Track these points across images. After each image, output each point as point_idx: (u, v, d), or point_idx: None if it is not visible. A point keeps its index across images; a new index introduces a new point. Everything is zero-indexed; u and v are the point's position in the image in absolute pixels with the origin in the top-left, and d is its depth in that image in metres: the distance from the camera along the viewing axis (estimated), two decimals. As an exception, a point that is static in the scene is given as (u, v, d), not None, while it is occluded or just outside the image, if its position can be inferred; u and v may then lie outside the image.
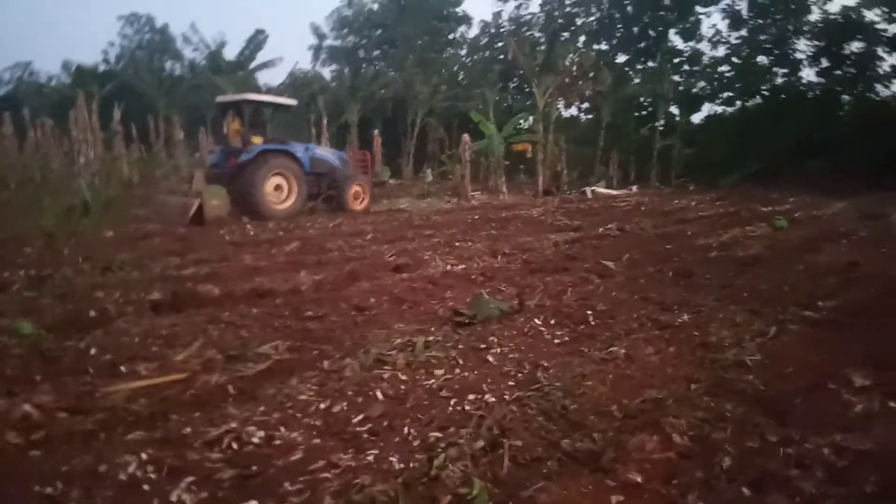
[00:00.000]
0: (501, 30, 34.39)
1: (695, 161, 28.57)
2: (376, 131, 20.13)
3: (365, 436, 2.84)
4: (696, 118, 32.17)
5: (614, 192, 21.98)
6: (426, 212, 14.07)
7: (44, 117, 22.14)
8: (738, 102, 31.04)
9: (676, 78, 30.16)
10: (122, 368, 3.50)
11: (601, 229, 10.60)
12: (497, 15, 35.05)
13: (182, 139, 20.00)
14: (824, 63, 28.11)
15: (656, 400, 3.33)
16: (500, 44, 32.78)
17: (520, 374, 3.70)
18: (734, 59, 30.18)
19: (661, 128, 29.28)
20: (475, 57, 35.37)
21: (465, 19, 37.58)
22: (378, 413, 3.04)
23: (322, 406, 3.12)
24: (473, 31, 37.82)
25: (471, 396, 3.31)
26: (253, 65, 24.30)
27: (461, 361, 3.87)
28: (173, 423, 2.87)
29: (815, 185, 20.85)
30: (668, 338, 4.43)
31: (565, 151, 23.22)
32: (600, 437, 2.91)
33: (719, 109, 31.94)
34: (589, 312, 5.04)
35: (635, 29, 32.52)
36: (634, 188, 24.43)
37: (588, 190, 21.62)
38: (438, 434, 2.85)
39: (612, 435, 2.92)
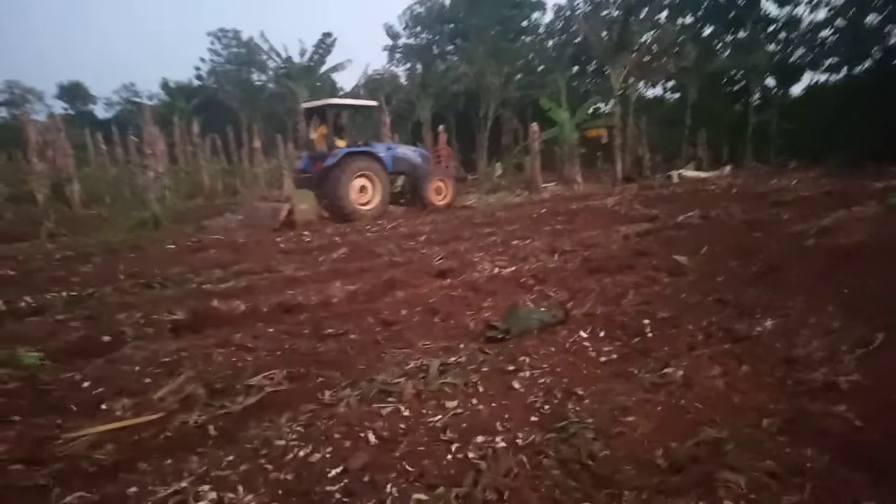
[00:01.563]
0: (577, 12, 33.01)
1: (796, 137, 26.08)
2: (441, 127, 19.58)
3: (336, 496, 2.35)
4: (796, 90, 29.41)
5: (703, 175, 20.37)
6: (492, 207, 13.47)
7: (129, 135, 23.41)
8: (844, 70, 28.01)
9: (771, 47, 27.67)
10: (104, 406, 3.21)
11: (681, 218, 9.58)
12: (571, -1, 33.67)
13: (258, 147, 20.37)
14: (947, 16, 24.75)
15: (714, 442, 2.62)
16: (574, 27, 31.40)
17: (546, 407, 3.08)
18: (838, 22, 27.24)
19: (757, 102, 27.00)
20: (550, 43, 34.19)
21: (539, 5, 36.33)
22: (360, 463, 2.54)
23: (301, 453, 2.65)
24: (549, 17, 36.59)
25: (479, 439, 2.74)
26: (323, 69, 24.50)
27: (481, 389, 3.30)
28: (122, 480, 2.49)
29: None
30: (740, 353, 3.64)
31: (647, 134, 21.77)
32: (632, 500, 2.26)
33: (822, 79, 28.99)
34: (647, 322, 4.29)
35: (722, -1, 30.09)
36: (727, 169, 22.59)
37: (674, 174, 20.20)
38: (423, 496, 2.31)
39: (647, 497, 2.27)
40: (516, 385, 3.35)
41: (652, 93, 32.39)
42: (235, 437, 2.91)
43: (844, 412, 2.81)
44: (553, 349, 3.89)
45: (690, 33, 25.44)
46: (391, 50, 40.93)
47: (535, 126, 16.83)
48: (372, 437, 2.77)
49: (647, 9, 21.36)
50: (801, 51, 28.00)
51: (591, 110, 26.91)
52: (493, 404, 3.11)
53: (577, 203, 13.12)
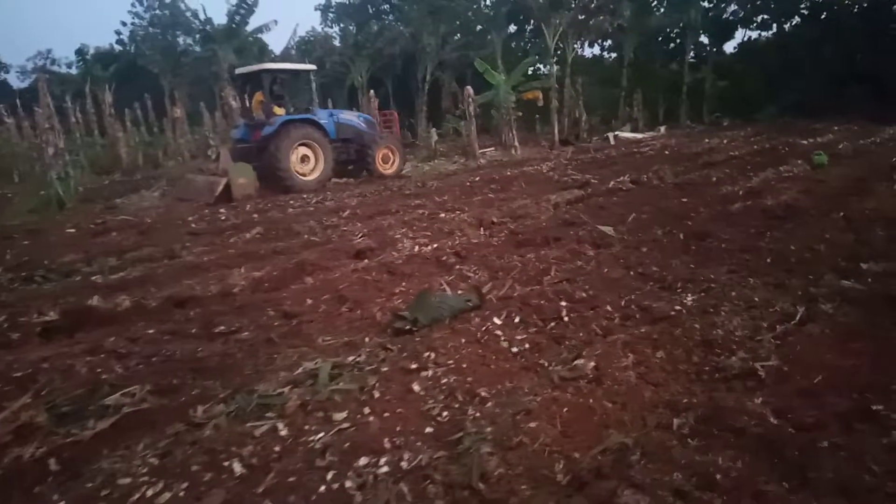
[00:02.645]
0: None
1: (729, 95, 26.50)
2: (371, 92, 18.83)
3: (178, 550, 1.98)
4: (729, 48, 29.81)
5: (639, 136, 20.47)
6: (426, 176, 13.06)
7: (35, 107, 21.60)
8: (775, 27, 28.46)
9: (705, 4, 27.78)
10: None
11: (612, 183, 9.43)
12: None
13: (179, 116, 19.12)
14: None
15: (620, 450, 2.37)
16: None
17: (445, 414, 2.78)
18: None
19: (692, 61, 27.17)
20: (488, 1, 33.37)
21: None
22: None
23: (149, 493, 2.27)
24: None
25: (361, 461, 2.41)
26: (248, 30, 23.12)
27: (376, 395, 2.97)
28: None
29: (862, 113, 18.95)
30: (657, 337, 3.41)
31: (584, 96, 21.58)
32: (524, 530, 1.98)
33: (754, 36, 29.42)
34: (564, 304, 4.03)
35: (657, -46, 29.88)
36: (662, 129, 22.79)
37: (611, 136, 20.17)
38: (279, 545, 1.97)
39: (541, 526, 1.99)
40: (416, 388, 3.02)
41: (590, 53, 32.32)
42: (81, 472, 2.49)
43: (760, 406, 2.61)
44: (463, 340, 3.57)
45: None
46: (324, 10, 39.28)
47: (469, 89, 16.34)
48: (237, 467, 2.40)
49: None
50: (733, 7, 28.27)
51: (530, 71, 26.57)
52: (387, 414, 2.77)
53: (512, 169, 12.85)
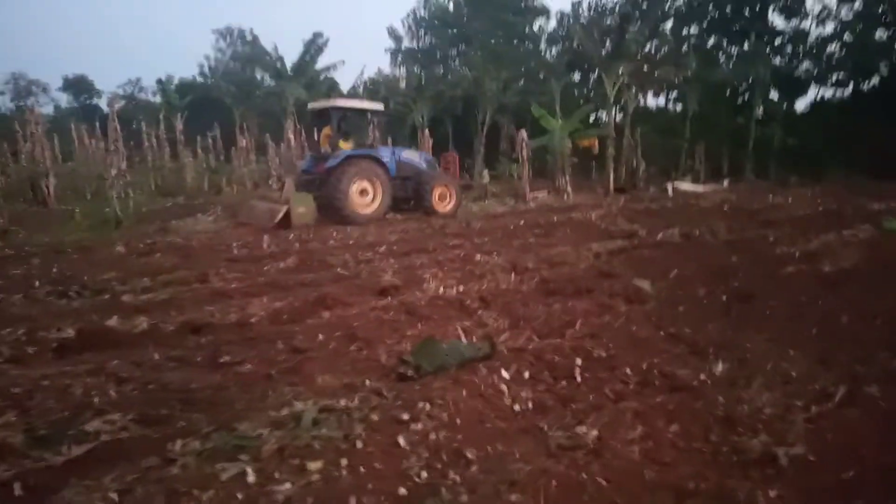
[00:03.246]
0: (581, 20, 32.46)
1: (798, 152, 25.46)
2: (427, 131, 19.07)
3: None
4: (801, 105, 28.82)
5: (699, 189, 19.83)
6: (473, 216, 12.97)
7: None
8: (851, 85, 27.38)
9: (777, 61, 27.07)
10: None
11: (660, 235, 9.08)
12: (577, 4, 33.13)
13: (244, 146, 19.91)
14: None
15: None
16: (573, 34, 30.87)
17: (424, 475, 2.57)
18: (845, 37, 26.64)
19: (760, 116, 26.39)
20: (553, 50, 33.67)
21: (543, 11, 35.84)
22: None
23: (96, 531, 2.15)
24: (553, 24, 36.04)
25: (317, 525, 2.23)
26: (317, 69, 24.02)
27: (359, 445, 2.79)
28: None
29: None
30: (673, 408, 3.12)
31: (644, 145, 21.18)
32: None
33: (829, 94, 28.38)
34: (580, 362, 3.77)
35: (728, 9, 29.44)
36: (725, 183, 22.03)
37: (669, 186, 19.65)
38: None
39: None
40: (402, 441, 2.83)
41: (654, 103, 31.90)
42: (44, 500, 2.41)
43: (775, 500, 2.29)
44: (464, 393, 3.36)
45: (691, 43, 24.85)
46: (394, 53, 40.59)
47: (523, 133, 16.32)
48: (191, 516, 2.26)
49: (644, 18, 20.73)
50: (807, 64, 27.45)
51: (590, 119, 26.42)
52: (363, 469, 2.59)
53: (560, 215, 12.62)
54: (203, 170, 21.02)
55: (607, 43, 17.55)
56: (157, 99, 41.18)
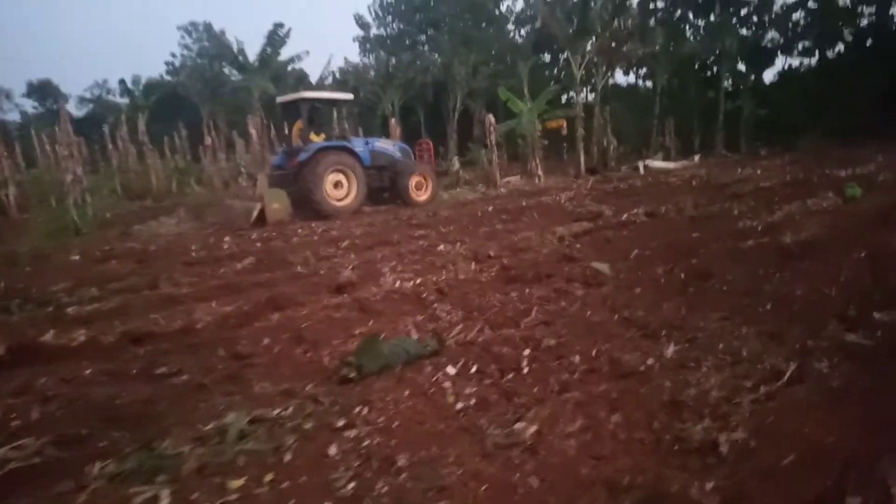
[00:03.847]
0: (546, -1, 32.20)
1: (768, 123, 25.61)
2: (393, 120, 18.84)
3: None
4: (769, 76, 28.95)
5: (671, 165, 19.89)
6: (442, 205, 12.84)
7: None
8: (817, 53, 27.52)
9: (743, 32, 27.09)
10: None
11: (626, 215, 9.01)
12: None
13: (209, 144, 19.54)
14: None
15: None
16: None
17: (351, 486, 2.44)
18: (809, 4, 26.72)
19: (729, 89, 26.45)
20: (522, 31, 33.41)
21: (511, -8, 35.52)
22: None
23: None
24: (521, 5, 35.79)
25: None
26: (280, 60, 23.57)
27: (287, 458, 2.67)
28: None
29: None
30: (617, 396, 3.03)
31: (615, 124, 21.14)
32: None
33: (795, 63, 28.53)
34: (528, 353, 3.67)
35: (694, -19, 29.37)
36: (696, 158, 22.11)
37: (640, 165, 19.66)
38: None
39: None
40: (333, 451, 2.71)
41: (625, 80, 31.87)
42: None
43: (710, 493, 2.21)
44: (406, 393, 3.26)
45: (658, 17, 24.78)
46: (363, 41, 40.05)
47: (491, 117, 16.17)
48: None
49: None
50: (773, 34, 27.52)
51: (562, 100, 26.28)
52: (286, 484, 2.47)
53: (529, 199, 12.54)
54: (171, 171, 20.58)
55: (574, 22, 17.34)
56: (125, 100, 40.47)
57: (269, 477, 2.52)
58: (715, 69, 26.96)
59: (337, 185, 12.27)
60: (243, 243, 8.96)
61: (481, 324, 4.38)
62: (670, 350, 3.68)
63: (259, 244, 8.91)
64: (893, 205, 8.08)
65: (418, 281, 5.76)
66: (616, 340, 3.89)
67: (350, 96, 14.78)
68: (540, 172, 16.98)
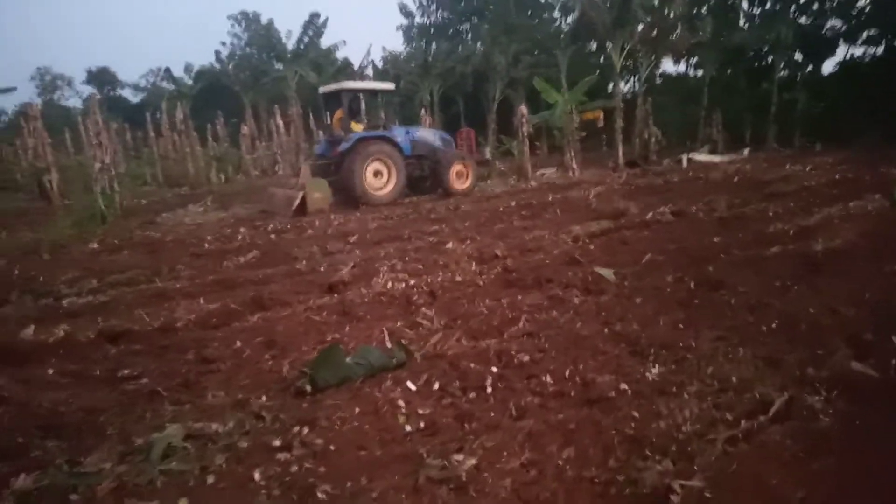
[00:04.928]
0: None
1: (825, 117, 24.12)
2: (424, 110, 18.60)
3: None
4: (829, 66, 27.24)
5: (716, 159, 18.96)
6: (467, 198, 12.55)
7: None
8: (884, 43, 25.71)
9: (802, 19, 25.56)
10: None
11: (650, 214, 8.54)
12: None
13: (246, 133, 19.78)
14: None
15: None
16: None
17: (258, 521, 2.28)
18: (877, -13, 24.96)
19: (784, 80, 25.04)
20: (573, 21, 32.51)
21: (558, -21, 34.55)
22: None
23: None
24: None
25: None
26: (319, 50, 23.61)
27: (209, 481, 2.52)
28: None
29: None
30: (576, 426, 2.76)
31: (657, 116, 20.26)
32: None
33: (859, 53, 26.75)
34: (496, 369, 3.43)
35: (749, -34, 27.87)
36: (745, 152, 21.05)
37: (684, 158, 18.85)
38: None
39: None
40: (258, 476, 2.54)
41: (674, 70, 30.63)
42: None
43: (643, 555, 1.93)
44: (357, 410, 3.07)
45: (710, 4, 23.65)
46: (406, 29, 39.92)
47: (522, 108, 15.72)
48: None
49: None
50: (833, 21, 25.86)
51: (607, 90, 25.43)
52: (194, 511, 2.31)
53: (558, 193, 12.13)
54: (210, 158, 20.93)
55: (615, 10, 16.64)
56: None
57: (182, 502, 2.37)
58: (769, 59, 25.55)
59: (377, 174, 12.33)
60: (257, 235, 8.94)
61: (461, 333, 4.14)
62: (654, 372, 3.38)
63: (273, 236, 8.87)
64: (945, 210, 7.41)
65: (412, 282, 5.55)
66: (598, 358, 3.60)
67: (391, 86, 14.77)
68: (574, 165, 16.44)
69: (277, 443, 2.79)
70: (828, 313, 4.04)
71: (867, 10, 25.03)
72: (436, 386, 3.32)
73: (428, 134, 14.34)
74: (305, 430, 2.88)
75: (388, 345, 3.99)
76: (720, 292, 4.74)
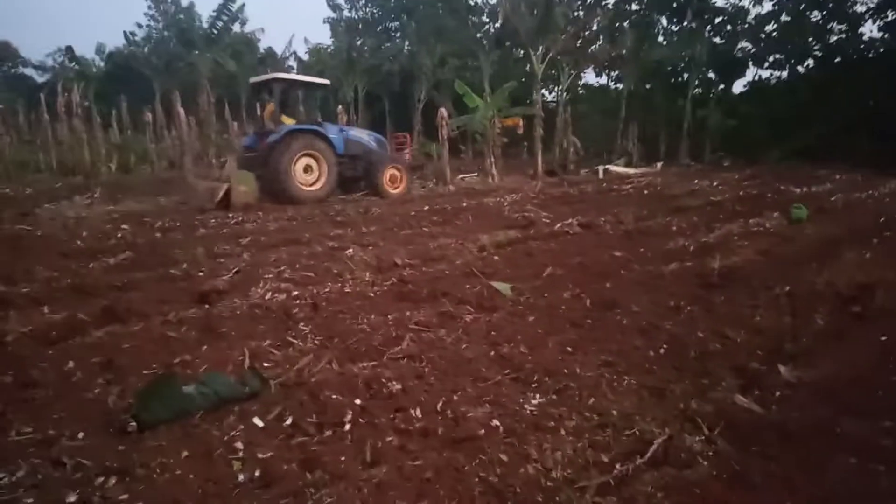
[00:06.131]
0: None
1: (734, 135, 25.37)
2: (339, 107, 18.07)
3: None
4: (739, 86, 28.77)
5: (630, 171, 19.46)
6: (379, 201, 12.14)
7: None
8: (787, 67, 27.37)
9: (717, 40, 26.80)
10: None
11: (559, 225, 8.45)
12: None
13: (149, 121, 18.50)
14: (890, 16, 24.14)
15: None
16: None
17: None
18: (783, 17, 26.52)
19: (698, 96, 26.14)
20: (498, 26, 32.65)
21: (486, -17, 34.65)
22: None
23: None
24: (496, -3, 34.96)
25: None
26: (232, 37, 22.52)
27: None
28: None
29: (871, 163, 17.88)
30: (431, 476, 2.41)
31: (577, 126, 20.61)
32: None
33: (766, 75, 28.38)
34: (358, 402, 3.04)
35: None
36: (658, 166, 21.76)
37: (600, 169, 19.23)
38: None
39: None
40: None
41: (596, 81, 31.37)
42: None
43: None
44: (185, 454, 2.60)
45: (631, 20, 24.31)
46: (333, 23, 38.96)
47: (443, 111, 15.48)
48: None
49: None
50: (744, 44, 27.30)
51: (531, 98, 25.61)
52: None
53: (473, 199, 11.95)
54: (109, 145, 19.45)
55: (535, 16, 16.69)
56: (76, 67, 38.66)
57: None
58: (685, 76, 26.62)
59: (307, 169, 11.93)
60: (140, 233, 8.14)
61: (335, 354, 3.72)
62: (533, 403, 3.10)
63: (158, 234, 8.13)
64: (835, 233, 7.68)
65: (295, 293, 5.09)
66: (478, 386, 3.29)
67: (326, 82, 14.36)
68: (494, 171, 16.36)
69: (72, 499, 2.28)
70: (717, 338, 3.92)
71: (773, 34, 26.50)
72: (288, 421, 2.90)
73: (362, 134, 14.10)
74: (112, 480, 2.39)
75: (246, 367, 3.53)
76: (614, 311, 4.58)
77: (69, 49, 24.74)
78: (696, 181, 15.78)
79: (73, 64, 25.42)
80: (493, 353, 3.80)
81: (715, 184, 14.99)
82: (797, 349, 3.74)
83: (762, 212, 9.36)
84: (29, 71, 48.82)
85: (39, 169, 18.12)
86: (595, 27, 18.71)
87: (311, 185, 11.95)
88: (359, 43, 32.04)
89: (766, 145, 23.42)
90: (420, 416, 2.96)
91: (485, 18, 34.65)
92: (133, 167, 19.29)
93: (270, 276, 5.65)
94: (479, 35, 24.23)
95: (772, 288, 5.07)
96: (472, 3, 36.16)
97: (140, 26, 40.05)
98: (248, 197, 10.94)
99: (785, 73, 27.43)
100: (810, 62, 26.80)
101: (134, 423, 2.81)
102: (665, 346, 3.81)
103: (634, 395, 3.19)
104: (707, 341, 3.85)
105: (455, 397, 3.13)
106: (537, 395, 3.19)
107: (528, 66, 30.16)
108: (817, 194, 12.28)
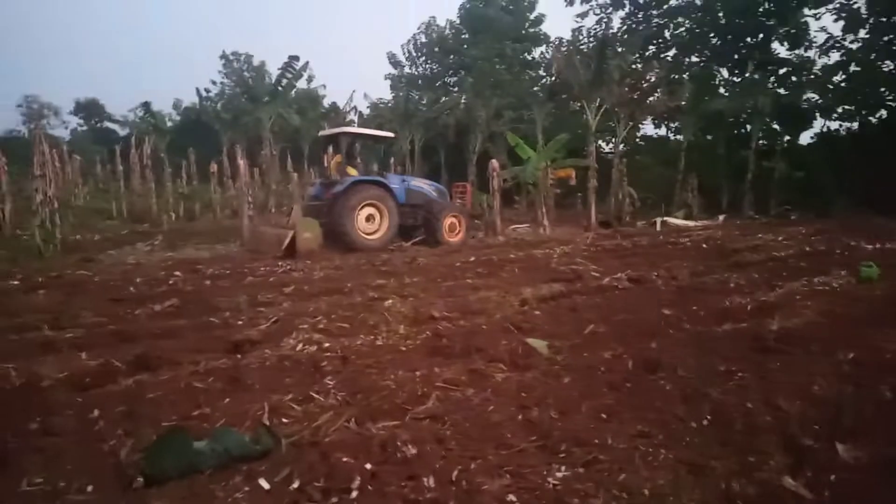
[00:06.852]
0: (581, 46, 31.76)
1: (804, 186, 24.28)
2: (391, 159, 18.42)
3: None
4: (807, 137, 27.71)
5: (690, 224, 18.84)
6: (427, 252, 12.14)
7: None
8: (858, 118, 26.23)
9: (781, 91, 26.08)
10: None
11: (608, 279, 8.14)
12: (576, 31, 32.46)
13: (214, 172, 19.40)
14: (967, 64, 22.96)
15: None
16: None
17: None
18: (852, 67, 25.60)
19: (763, 148, 25.32)
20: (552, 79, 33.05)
21: (543, 38, 35.37)
22: None
23: None
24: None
25: None
26: (294, 93, 23.61)
27: None
28: None
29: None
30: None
31: (634, 177, 20.25)
32: None
33: (835, 126, 27.26)
34: (369, 466, 2.88)
35: (730, 37, 28.58)
36: (721, 219, 20.99)
37: (658, 221, 18.72)
38: None
39: None
40: None
41: (654, 133, 30.98)
42: None
43: None
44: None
45: (685, 71, 24.03)
46: (395, 79, 40.42)
47: (494, 162, 15.55)
48: None
49: (628, 45, 19.93)
50: (810, 95, 26.41)
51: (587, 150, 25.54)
52: None
53: (521, 251, 11.76)
54: (178, 195, 20.47)
55: (589, 69, 16.75)
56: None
57: None
58: (748, 127, 25.90)
59: (369, 218, 12.46)
60: (190, 280, 8.38)
61: (354, 413, 3.60)
62: (557, 476, 2.86)
63: (208, 282, 8.32)
64: (910, 292, 7.07)
65: (326, 344, 5.02)
66: (501, 453, 3.08)
67: (392, 134, 15.21)
68: (546, 222, 16.17)
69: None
70: (769, 409, 3.57)
71: (842, 84, 25.61)
72: (295, 485, 2.77)
73: (423, 184, 14.60)
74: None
75: (266, 422, 3.44)
76: (657, 374, 4.27)
77: (146, 104, 26.52)
78: (759, 235, 15.05)
79: (149, 118, 27.15)
80: (520, 416, 3.57)
81: (780, 238, 14.24)
82: (858, 424, 3.35)
83: (829, 269, 8.75)
84: (113, 126, 52.78)
85: (111, 216, 19.19)
86: (652, 79, 18.50)
87: (371, 233, 12.44)
88: (417, 97, 33.04)
89: (835, 198, 22.30)
90: (432, 485, 2.77)
91: (541, 72, 35.32)
92: (198, 215, 20.15)
93: (305, 326, 5.62)
94: (534, 88, 24.49)
95: (834, 353, 4.64)
96: (530, 59, 37.06)
97: (214, 83, 42.84)
98: (312, 244, 11.34)
99: (856, 125, 26.29)
100: (883, 112, 25.64)
101: (141, 479, 2.75)
102: (709, 416, 3.49)
103: (670, 471, 2.89)
104: (757, 412, 3.51)
105: (473, 465, 2.93)
106: (563, 467, 2.94)
107: (584, 117, 30.47)
108: (891, 251, 11.45)
